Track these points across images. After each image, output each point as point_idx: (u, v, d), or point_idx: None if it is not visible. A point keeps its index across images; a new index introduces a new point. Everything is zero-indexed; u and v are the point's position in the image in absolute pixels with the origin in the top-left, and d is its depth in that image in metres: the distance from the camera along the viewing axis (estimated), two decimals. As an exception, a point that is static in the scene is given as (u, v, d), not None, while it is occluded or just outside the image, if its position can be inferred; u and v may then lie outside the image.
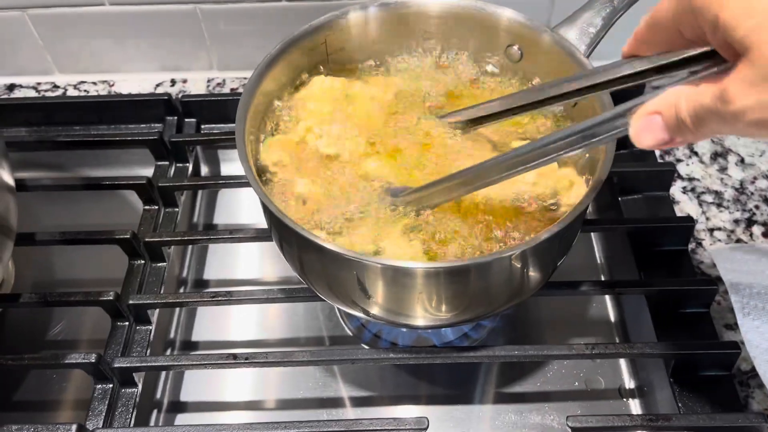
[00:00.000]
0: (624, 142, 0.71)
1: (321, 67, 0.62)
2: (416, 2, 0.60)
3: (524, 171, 0.47)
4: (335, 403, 0.64)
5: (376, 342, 0.66)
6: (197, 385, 0.65)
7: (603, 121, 0.42)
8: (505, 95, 0.55)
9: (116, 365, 0.57)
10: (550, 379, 0.64)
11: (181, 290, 0.71)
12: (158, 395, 0.64)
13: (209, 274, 0.74)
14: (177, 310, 0.69)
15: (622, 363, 0.64)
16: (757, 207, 0.71)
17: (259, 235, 0.64)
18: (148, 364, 0.58)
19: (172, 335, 0.68)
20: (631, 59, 0.43)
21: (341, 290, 0.52)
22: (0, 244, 0.55)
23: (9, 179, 0.57)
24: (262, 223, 0.76)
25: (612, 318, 0.68)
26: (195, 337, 0.69)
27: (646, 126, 0.38)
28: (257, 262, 0.74)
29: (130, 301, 0.60)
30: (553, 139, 0.45)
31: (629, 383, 0.63)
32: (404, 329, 0.66)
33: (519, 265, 0.49)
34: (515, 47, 0.61)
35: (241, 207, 0.79)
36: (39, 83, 0.88)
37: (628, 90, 0.45)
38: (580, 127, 0.43)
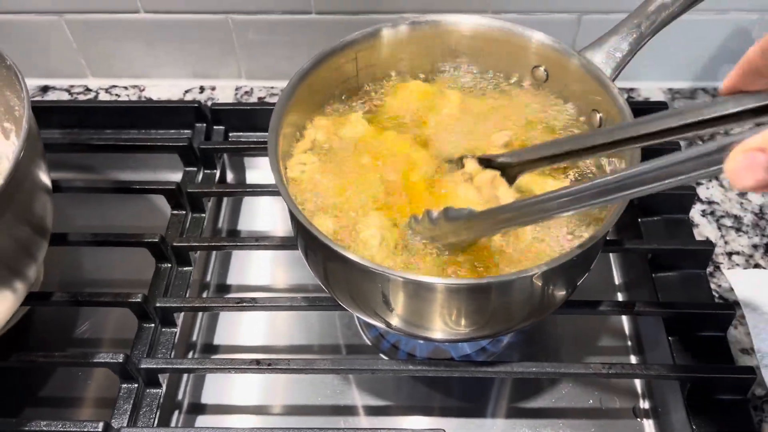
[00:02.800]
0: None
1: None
2: (448, 21, 0.61)
3: (588, 207, 0.44)
4: (349, 411, 0.65)
5: (394, 352, 0.67)
6: (216, 387, 0.66)
7: (690, 158, 0.36)
8: (558, 139, 0.55)
9: (143, 366, 0.58)
10: (565, 396, 0.64)
11: (204, 294, 0.73)
12: (179, 396, 0.65)
13: (231, 279, 0.75)
14: (200, 313, 0.70)
15: (637, 383, 0.65)
16: (776, 233, 0.72)
17: (284, 244, 0.66)
18: (174, 366, 0.59)
19: (194, 338, 0.69)
20: (737, 95, 0.39)
21: (364, 301, 0.53)
22: (36, 244, 0.57)
23: (47, 180, 0.59)
24: (282, 230, 0.78)
25: (628, 337, 0.68)
26: (215, 341, 0.70)
27: (747, 164, 0.32)
28: (277, 269, 0.75)
29: (158, 304, 0.62)
30: (630, 174, 0.39)
31: (644, 403, 0.64)
32: (421, 341, 0.67)
33: (540, 285, 0.50)
34: (542, 68, 0.62)
35: (263, 214, 0.81)
36: (72, 86, 0.90)
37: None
38: (661, 163, 0.37)
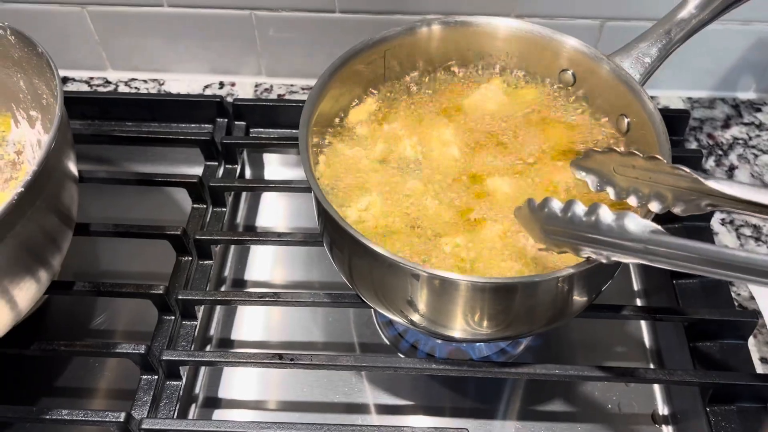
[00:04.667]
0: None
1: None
2: (478, 22, 0.61)
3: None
4: (365, 409, 0.64)
5: (413, 352, 0.67)
6: (231, 382, 0.66)
7: None
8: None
9: (164, 358, 0.58)
10: (582, 400, 0.64)
11: (223, 288, 0.73)
12: (196, 390, 0.65)
13: (248, 274, 0.75)
14: (217, 307, 0.70)
15: (656, 388, 0.65)
16: (795, 243, 0.72)
17: (307, 240, 0.66)
18: (195, 358, 0.59)
19: (211, 332, 0.69)
20: None
21: (389, 297, 0.53)
22: (62, 234, 0.56)
23: (74, 170, 0.58)
24: (300, 227, 0.78)
25: (646, 343, 0.68)
26: (232, 336, 0.70)
27: None
28: (294, 265, 0.75)
29: (179, 296, 0.62)
30: None
31: (663, 409, 0.64)
32: (440, 341, 0.67)
33: (565, 288, 0.50)
34: (569, 72, 0.62)
35: (281, 211, 0.81)
36: (92, 78, 0.90)
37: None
38: None
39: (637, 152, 0.49)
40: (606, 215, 0.44)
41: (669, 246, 0.41)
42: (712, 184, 0.44)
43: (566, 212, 0.46)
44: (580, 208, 0.45)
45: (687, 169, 0.45)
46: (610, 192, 0.52)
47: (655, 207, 0.49)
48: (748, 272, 0.37)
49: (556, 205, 0.47)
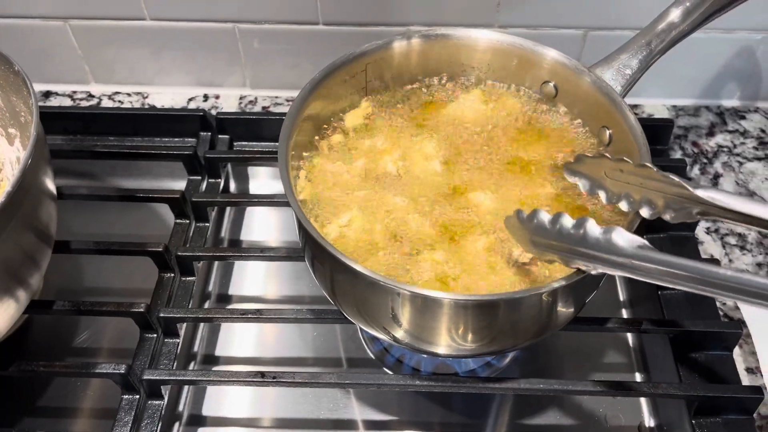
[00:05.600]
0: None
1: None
2: (459, 35, 0.61)
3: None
4: (351, 425, 0.64)
5: (398, 367, 0.66)
6: (216, 399, 0.65)
7: None
8: None
9: (145, 377, 0.57)
10: (570, 413, 0.64)
11: (206, 304, 0.72)
12: (180, 408, 0.64)
13: (233, 289, 0.74)
14: (201, 324, 0.69)
15: (643, 401, 0.65)
16: (780, 251, 0.72)
17: (290, 255, 0.65)
18: (177, 377, 0.58)
19: (195, 349, 0.69)
20: None
21: (371, 314, 0.53)
22: (40, 252, 0.56)
23: (52, 187, 0.58)
24: (285, 241, 0.78)
25: (633, 353, 0.68)
26: (216, 352, 0.69)
27: None
28: (280, 280, 0.75)
29: (161, 314, 0.61)
30: None
31: (649, 421, 0.63)
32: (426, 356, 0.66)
33: (549, 302, 0.50)
34: (551, 84, 0.62)
35: (266, 225, 0.80)
36: (75, 92, 0.90)
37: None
38: None
39: (627, 159, 0.49)
40: (593, 229, 0.44)
41: (655, 262, 0.41)
42: (700, 192, 0.44)
43: (554, 224, 0.46)
44: (568, 221, 0.46)
45: (676, 177, 0.45)
46: (602, 196, 0.52)
47: (645, 213, 0.49)
48: (734, 291, 0.37)
49: (545, 217, 0.47)
